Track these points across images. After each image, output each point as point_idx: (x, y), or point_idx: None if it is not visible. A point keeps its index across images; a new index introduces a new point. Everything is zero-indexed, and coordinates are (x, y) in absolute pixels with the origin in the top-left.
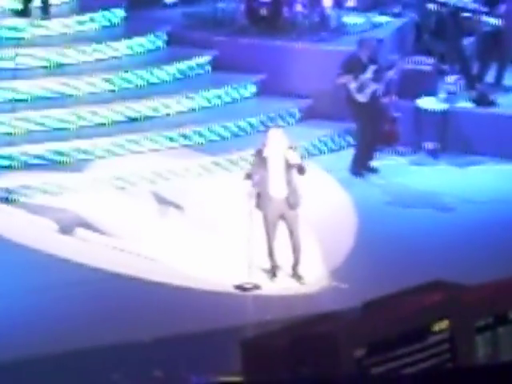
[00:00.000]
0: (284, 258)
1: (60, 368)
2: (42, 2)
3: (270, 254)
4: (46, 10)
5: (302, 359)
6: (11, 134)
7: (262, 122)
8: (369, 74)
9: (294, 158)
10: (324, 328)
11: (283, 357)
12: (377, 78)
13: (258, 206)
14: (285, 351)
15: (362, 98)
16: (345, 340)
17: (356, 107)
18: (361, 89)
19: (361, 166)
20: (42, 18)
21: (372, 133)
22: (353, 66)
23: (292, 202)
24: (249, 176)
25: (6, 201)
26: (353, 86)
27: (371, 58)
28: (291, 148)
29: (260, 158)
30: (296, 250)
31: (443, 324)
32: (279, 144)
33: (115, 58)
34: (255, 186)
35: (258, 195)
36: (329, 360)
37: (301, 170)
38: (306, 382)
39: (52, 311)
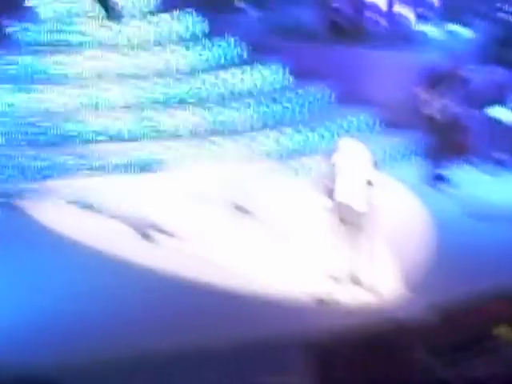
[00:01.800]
0: (359, 270)
1: (128, 374)
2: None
3: (348, 264)
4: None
5: (369, 365)
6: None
7: (334, 130)
8: (444, 87)
9: (372, 175)
10: (392, 334)
11: (349, 361)
12: (451, 91)
13: (335, 214)
14: (352, 357)
15: (433, 110)
16: (413, 346)
17: (427, 119)
18: (432, 101)
19: (432, 176)
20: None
21: (442, 144)
22: (429, 77)
23: (369, 214)
24: (326, 186)
25: (79, 204)
26: (427, 98)
27: (449, 71)
28: (371, 161)
29: (336, 168)
30: (371, 262)
31: (505, 329)
32: (356, 154)
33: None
34: (332, 196)
35: (336, 205)
36: (397, 365)
37: (375, 185)
38: None
39: (124, 316)
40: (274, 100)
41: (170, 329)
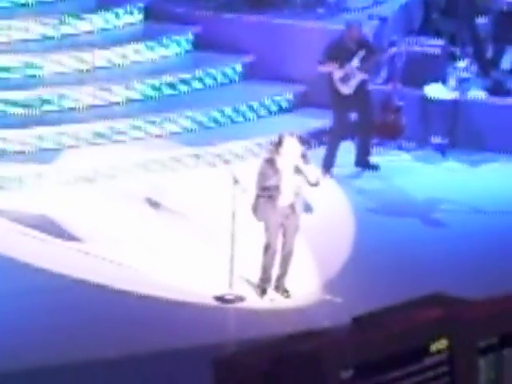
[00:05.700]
0: (275, 271)
1: None
2: None
3: (268, 266)
4: None
5: (282, 381)
6: None
7: (249, 110)
8: (355, 62)
9: (313, 175)
10: (307, 346)
11: (261, 378)
12: (366, 66)
13: (259, 213)
14: (263, 372)
15: (346, 89)
16: (330, 360)
17: (339, 99)
18: (345, 79)
19: (357, 163)
20: None
21: (369, 125)
22: (338, 51)
23: (297, 208)
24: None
25: None
26: (337, 75)
27: (360, 42)
28: (305, 157)
29: (271, 168)
30: (286, 261)
31: (441, 344)
32: (293, 153)
33: (86, 33)
34: (260, 193)
35: (260, 202)
36: (312, 382)
37: (316, 185)
38: None
39: (8, 323)
40: (179, 76)
41: (59, 337)
